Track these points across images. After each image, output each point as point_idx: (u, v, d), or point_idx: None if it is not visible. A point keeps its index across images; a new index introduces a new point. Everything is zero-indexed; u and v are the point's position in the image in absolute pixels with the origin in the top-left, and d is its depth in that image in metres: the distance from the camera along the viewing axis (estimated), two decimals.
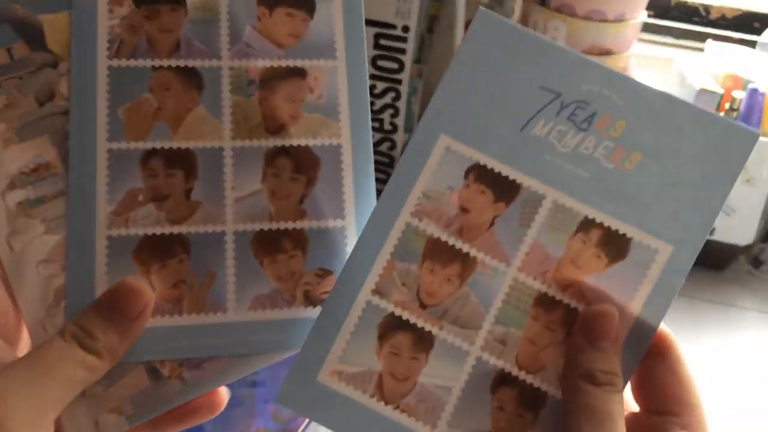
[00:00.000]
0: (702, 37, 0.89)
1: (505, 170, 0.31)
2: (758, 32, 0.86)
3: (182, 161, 0.34)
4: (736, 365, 0.70)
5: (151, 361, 0.32)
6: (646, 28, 0.88)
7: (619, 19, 0.70)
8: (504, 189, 0.32)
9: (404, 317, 0.31)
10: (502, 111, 0.31)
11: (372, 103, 0.87)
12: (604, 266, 0.31)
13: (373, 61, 0.84)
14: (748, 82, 0.75)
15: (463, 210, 0.32)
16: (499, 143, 0.31)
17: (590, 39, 0.70)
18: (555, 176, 0.31)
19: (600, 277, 0.31)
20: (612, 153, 0.31)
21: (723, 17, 0.93)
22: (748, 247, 0.83)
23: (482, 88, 0.32)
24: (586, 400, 0.29)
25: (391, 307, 0.31)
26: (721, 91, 0.68)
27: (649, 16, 0.85)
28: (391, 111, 0.88)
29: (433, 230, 0.32)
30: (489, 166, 0.32)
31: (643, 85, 0.32)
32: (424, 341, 0.31)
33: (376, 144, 0.89)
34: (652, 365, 0.31)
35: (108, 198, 0.33)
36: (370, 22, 0.82)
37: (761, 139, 0.74)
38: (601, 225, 0.31)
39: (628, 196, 0.31)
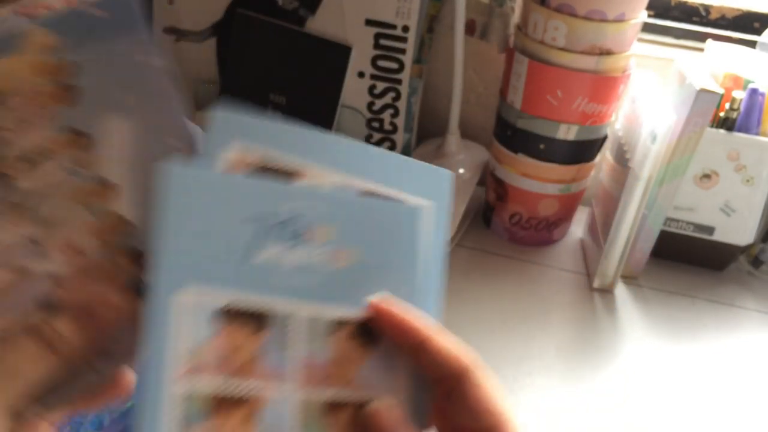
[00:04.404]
0: (702, 37, 0.89)
1: (249, 303, 0.32)
2: (758, 32, 0.86)
3: None
4: (736, 365, 0.70)
5: None
6: (646, 28, 0.88)
7: (619, 19, 0.70)
8: (257, 320, 0.32)
9: None
10: (223, 252, 0.32)
11: (372, 103, 0.87)
12: (366, 353, 0.33)
13: (373, 61, 0.84)
14: (748, 82, 0.75)
15: (231, 351, 0.32)
16: (233, 281, 0.32)
17: (590, 39, 0.70)
18: (293, 292, 0.33)
19: (368, 365, 0.33)
20: (333, 255, 0.33)
21: (723, 17, 0.93)
22: (748, 247, 0.83)
23: (197, 236, 0.32)
24: None
25: None
26: (721, 91, 0.68)
27: (649, 16, 0.85)
28: (391, 111, 0.88)
29: (209, 383, 0.31)
30: (234, 305, 0.32)
31: (331, 191, 0.34)
32: None
33: (376, 144, 0.89)
34: (459, 390, 0.32)
35: None
36: (370, 22, 0.82)
37: (761, 139, 0.74)
38: (349, 320, 0.33)
39: (362, 287, 0.33)
